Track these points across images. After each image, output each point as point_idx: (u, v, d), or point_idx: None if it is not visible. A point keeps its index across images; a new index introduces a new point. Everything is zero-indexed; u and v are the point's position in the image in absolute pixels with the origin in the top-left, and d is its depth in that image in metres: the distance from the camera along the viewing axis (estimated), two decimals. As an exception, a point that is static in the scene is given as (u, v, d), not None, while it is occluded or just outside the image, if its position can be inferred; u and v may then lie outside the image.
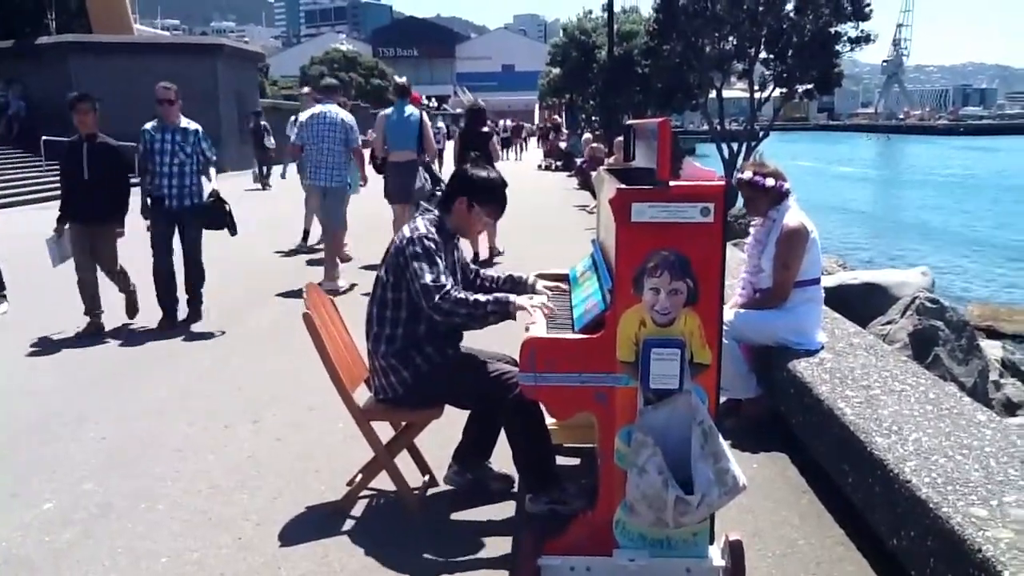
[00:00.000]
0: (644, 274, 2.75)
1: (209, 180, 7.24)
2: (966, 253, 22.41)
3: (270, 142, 21.34)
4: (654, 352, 2.77)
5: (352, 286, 8.45)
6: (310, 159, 8.83)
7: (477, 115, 10.89)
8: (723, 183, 2.79)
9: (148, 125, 7.06)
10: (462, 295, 3.39)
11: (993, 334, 11.95)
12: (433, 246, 3.44)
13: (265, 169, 21.54)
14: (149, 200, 7.01)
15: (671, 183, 2.75)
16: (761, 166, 4.71)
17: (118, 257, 7.06)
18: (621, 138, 10.74)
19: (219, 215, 7.13)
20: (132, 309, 7.24)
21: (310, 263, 10.20)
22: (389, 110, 9.52)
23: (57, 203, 7.05)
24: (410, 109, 9.32)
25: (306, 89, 13.05)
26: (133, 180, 7.08)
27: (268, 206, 17.36)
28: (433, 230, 3.51)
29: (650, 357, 2.77)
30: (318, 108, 8.91)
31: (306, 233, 11.49)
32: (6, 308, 7.79)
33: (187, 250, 7.19)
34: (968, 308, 13.63)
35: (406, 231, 3.51)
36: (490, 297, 3.41)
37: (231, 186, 20.78)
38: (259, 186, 21.29)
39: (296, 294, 7.72)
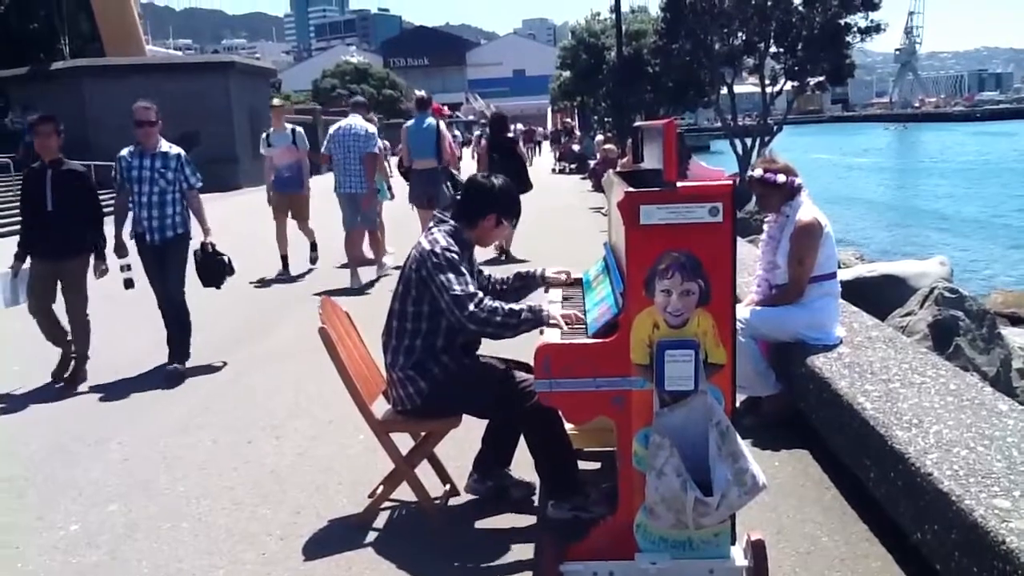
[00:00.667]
0: (655, 276, 2.74)
1: (203, 229, 6.45)
2: (989, 240, 22.21)
3: None
4: (668, 354, 2.76)
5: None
6: (337, 168, 9.56)
7: (501, 122, 11.57)
8: (731, 182, 2.79)
9: (124, 151, 6.34)
10: (496, 304, 3.37)
11: (1018, 321, 11.84)
12: (456, 257, 3.45)
13: None
14: (133, 236, 6.28)
15: (679, 184, 2.75)
16: (772, 162, 4.69)
17: (87, 301, 6.24)
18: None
19: (214, 272, 6.48)
20: (63, 370, 6.21)
21: (339, 266, 10.27)
22: (411, 123, 10.25)
23: None
24: (429, 120, 10.01)
25: (276, 101, 12.90)
26: (106, 208, 6.34)
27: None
28: (452, 241, 3.52)
29: (664, 359, 2.76)
30: (345, 121, 9.73)
31: (284, 259, 10.53)
32: None
33: (167, 289, 6.31)
34: (992, 296, 13.51)
35: (424, 243, 3.51)
36: (523, 306, 3.40)
37: (247, 200, 21.01)
38: None
39: (313, 308, 7.74)
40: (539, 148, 41.82)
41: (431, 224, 3.66)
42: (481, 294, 3.39)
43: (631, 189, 2.78)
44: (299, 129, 10.61)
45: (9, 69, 27.49)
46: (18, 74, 27.02)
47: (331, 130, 9.89)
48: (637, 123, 3.82)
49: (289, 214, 10.62)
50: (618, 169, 4.30)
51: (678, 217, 2.72)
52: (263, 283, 9.86)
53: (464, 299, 3.34)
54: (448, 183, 9.95)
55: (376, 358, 3.82)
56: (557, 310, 3.38)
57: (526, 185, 10.68)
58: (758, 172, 4.64)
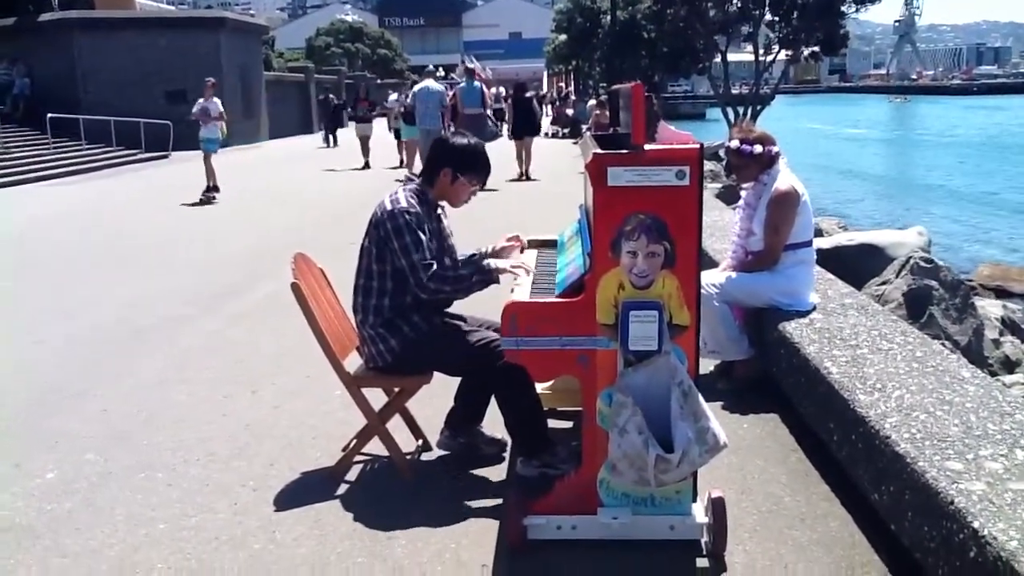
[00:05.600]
0: (622, 237, 2.78)
1: None
2: (981, 213, 22.27)
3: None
4: (632, 314, 2.81)
5: None
6: (419, 114, 14.87)
7: (522, 86, 17.91)
8: (698, 146, 2.82)
9: None
10: (447, 273, 3.47)
11: (1003, 293, 11.99)
12: (414, 220, 3.46)
13: (334, 132, 27.78)
14: None
15: (646, 147, 2.77)
16: (748, 132, 4.67)
17: None
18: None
19: None
20: None
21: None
22: (464, 84, 15.91)
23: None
24: (475, 83, 15.63)
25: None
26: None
27: (316, 174, 17.46)
28: (414, 201, 3.53)
29: (629, 319, 2.81)
30: (423, 83, 15.26)
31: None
32: None
33: None
34: (979, 268, 13.62)
35: (387, 203, 3.53)
36: (472, 268, 3.52)
37: (237, 157, 20.92)
38: (326, 145, 26.67)
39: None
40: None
41: (400, 185, 3.68)
42: (435, 264, 3.44)
43: (599, 151, 2.81)
44: None
45: (-3, 21, 27.18)
46: (5, 26, 26.67)
47: (415, 89, 15.80)
48: (615, 87, 3.82)
49: None
50: (593, 132, 4.27)
51: (645, 179, 2.75)
52: (266, 236, 9.84)
53: (418, 268, 3.41)
54: (494, 122, 16.14)
55: (351, 313, 3.85)
56: (505, 262, 3.51)
57: (536, 129, 17.61)
58: (735, 143, 4.60)
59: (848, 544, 3.07)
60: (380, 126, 21.48)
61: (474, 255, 3.84)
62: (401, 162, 17.88)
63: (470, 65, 16.81)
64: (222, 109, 14.72)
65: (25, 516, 3.44)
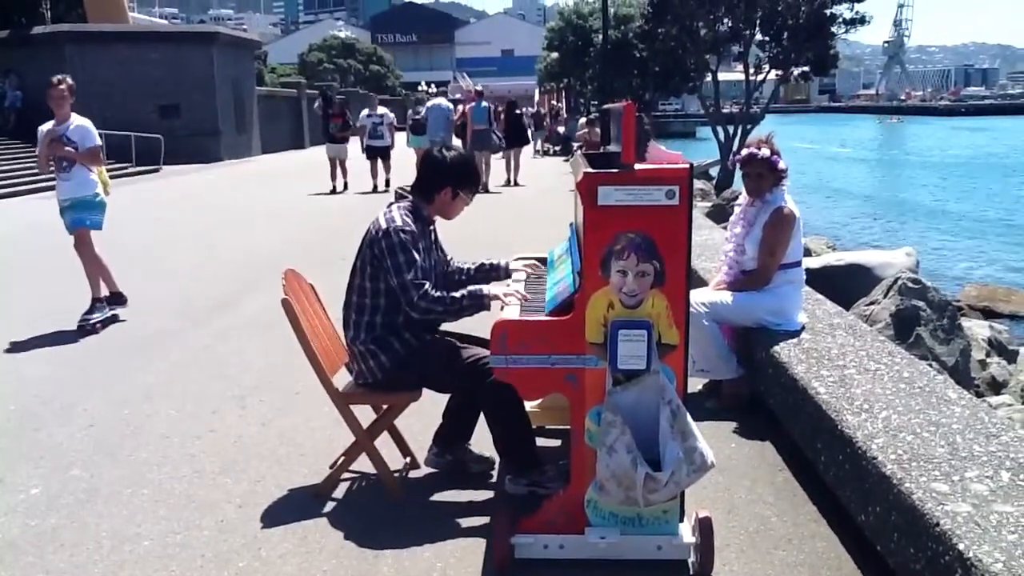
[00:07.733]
0: (612, 256, 2.80)
1: None
2: (970, 234, 22.37)
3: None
4: (622, 333, 2.82)
5: None
6: (430, 127, 16.79)
7: (513, 104, 19.75)
8: (687, 166, 2.83)
9: None
10: (438, 294, 3.47)
11: (990, 314, 12.01)
12: (409, 239, 3.47)
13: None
14: None
15: (637, 166, 2.79)
16: (772, 145, 4.56)
17: None
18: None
19: None
20: None
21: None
22: (473, 104, 17.77)
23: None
24: (483, 103, 17.48)
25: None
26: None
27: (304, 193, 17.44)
28: (409, 219, 3.54)
29: (618, 338, 2.82)
30: (435, 100, 17.92)
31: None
32: None
33: None
34: (965, 289, 13.66)
35: (381, 221, 3.54)
36: (464, 292, 3.51)
37: (228, 172, 20.88)
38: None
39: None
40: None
41: (391, 202, 3.68)
42: (427, 285, 3.45)
43: (590, 170, 2.82)
44: None
45: (-12, 33, 27.13)
46: (-2, 38, 26.65)
47: (428, 104, 17.97)
48: (606, 105, 3.84)
49: None
50: (584, 151, 4.26)
51: (635, 199, 2.77)
52: (254, 251, 9.83)
53: (410, 288, 3.42)
54: (498, 136, 17.65)
55: (340, 329, 3.85)
56: (499, 289, 3.50)
57: (525, 140, 20.22)
58: (765, 152, 4.48)
59: (834, 565, 3.08)
60: (354, 144, 19.11)
61: (484, 265, 3.86)
62: (374, 187, 16.90)
63: (478, 87, 19.27)
64: (99, 141, 6.88)
65: (8, 532, 3.42)
